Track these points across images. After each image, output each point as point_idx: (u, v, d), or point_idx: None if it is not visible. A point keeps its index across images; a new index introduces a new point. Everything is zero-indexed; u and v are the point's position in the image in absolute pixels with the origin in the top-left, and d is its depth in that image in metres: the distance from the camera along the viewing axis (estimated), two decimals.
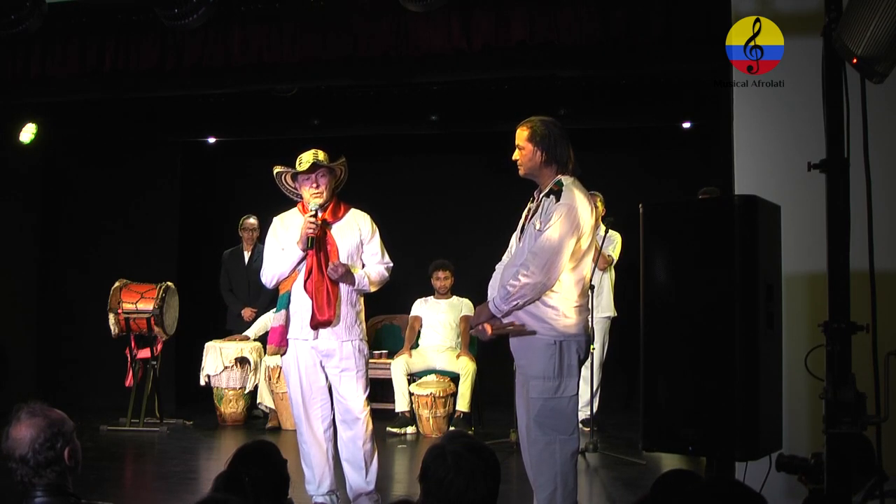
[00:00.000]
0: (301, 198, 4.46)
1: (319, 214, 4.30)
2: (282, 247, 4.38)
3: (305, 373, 4.35)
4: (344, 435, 4.35)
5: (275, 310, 4.54)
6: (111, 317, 6.80)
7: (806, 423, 3.79)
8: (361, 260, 4.44)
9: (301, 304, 4.33)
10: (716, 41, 4.20)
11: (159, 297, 6.81)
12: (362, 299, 4.49)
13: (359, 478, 4.34)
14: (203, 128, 8.03)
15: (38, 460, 2.43)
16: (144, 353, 6.91)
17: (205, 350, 7.12)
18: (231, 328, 7.59)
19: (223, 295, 7.69)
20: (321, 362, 4.34)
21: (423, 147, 8.23)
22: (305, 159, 4.35)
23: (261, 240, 7.64)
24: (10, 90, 5.96)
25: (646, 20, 4.83)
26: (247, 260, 7.66)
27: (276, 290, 7.56)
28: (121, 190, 8.18)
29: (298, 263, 4.35)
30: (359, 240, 4.41)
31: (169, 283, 7.00)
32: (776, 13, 4.01)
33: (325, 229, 4.34)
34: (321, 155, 4.35)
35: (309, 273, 4.31)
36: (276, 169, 4.45)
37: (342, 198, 4.51)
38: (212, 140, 8.35)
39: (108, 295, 6.85)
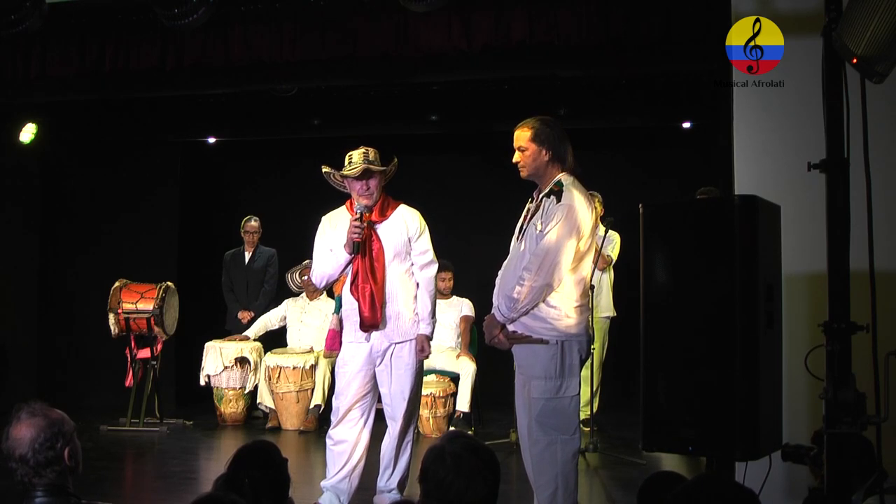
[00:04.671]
0: (343, 186, 4.40)
1: (364, 216, 4.24)
2: (330, 247, 4.35)
3: (353, 375, 4.33)
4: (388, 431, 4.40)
5: (333, 311, 4.59)
6: (111, 317, 6.81)
7: (806, 423, 3.79)
8: (410, 258, 4.38)
9: (351, 308, 4.33)
10: (716, 41, 4.20)
11: (159, 297, 6.81)
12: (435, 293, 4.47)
13: (382, 476, 4.39)
14: (203, 128, 8.02)
15: (37, 460, 2.43)
16: (144, 353, 6.91)
17: (205, 350, 7.12)
18: (230, 328, 7.61)
19: (224, 295, 7.71)
20: (375, 363, 4.33)
21: (423, 147, 8.23)
22: (356, 160, 4.26)
23: (262, 241, 7.70)
24: (10, 90, 5.96)
25: (646, 20, 4.83)
26: (247, 261, 7.68)
27: (274, 291, 7.69)
28: (121, 190, 8.19)
29: (346, 266, 4.34)
30: (406, 237, 4.35)
31: (169, 283, 7.00)
32: (776, 13, 4.01)
33: (371, 230, 4.28)
34: (372, 154, 4.30)
35: (355, 276, 4.29)
36: (325, 169, 4.38)
37: (391, 192, 4.47)
38: (212, 140, 8.35)
39: (108, 295, 6.86)
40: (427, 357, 4.36)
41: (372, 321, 4.25)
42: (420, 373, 4.43)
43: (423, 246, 4.41)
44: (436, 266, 4.47)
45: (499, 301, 3.70)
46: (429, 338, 4.37)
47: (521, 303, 3.57)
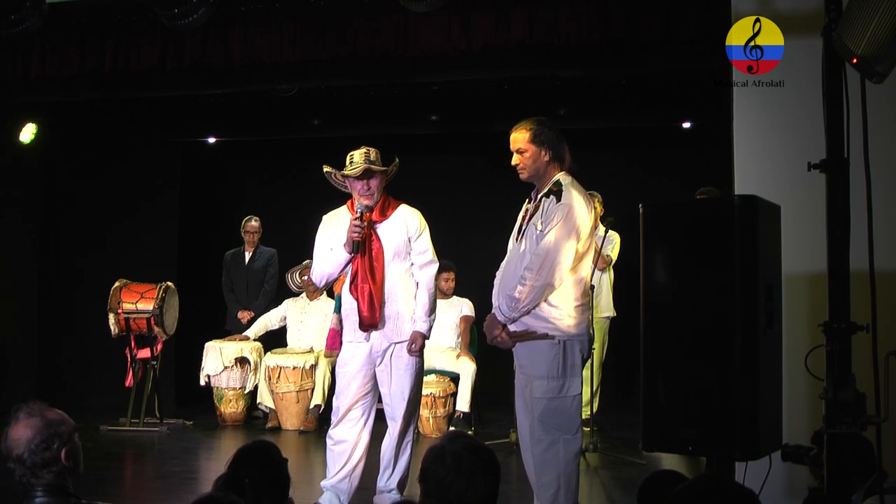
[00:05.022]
0: (344, 186, 4.40)
1: (364, 216, 4.24)
2: (330, 246, 4.35)
3: (353, 375, 4.33)
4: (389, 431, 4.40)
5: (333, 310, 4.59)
6: (111, 317, 6.80)
7: (806, 423, 3.79)
8: (409, 257, 4.38)
9: (351, 307, 4.33)
10: (716, 41, 4.20)
11: (159, 297, 6.81)
12: (435, 293, 4.46)
13: (382, 476, 4.39)
14: (203, 128, 8.02)
15: (34, 461, 2.43)
16: (144, 353, 6.91)
17: (205, 350, 7.12)
18: (230, 328, 7.61)
19: (224, 294, 7.71)
20: (375, 363, 4.33)
21: (423, 147, 8.23)
22: (357, 160, 4.27)
23: (263, 241, 7.70)
24: (10, 90, 5.96)
25: (646, 20, 4.83)
26: (247, 261, 7.68)
27: (274, 292, 7.69)
28: (121, 190, 8.18)
29: (346, 265, 4.34)
30: (406, 237, 4.35)
31: (169, 283, 7.00)
32: (776, 13, 4.01)
33: (371, 230, 4.29)
34: (373, 154, 4.30)
35: (354, 275, 4.29)
36: (326, 168, 4.39)
37: (392, 192, 4.47)
38: (212, 140, 8.35)
39: (108, 295, 6.86)
40: (417, 352, 4.33)
41: (371, 321, 4.25)
42: (420, 373, 4.42)
43: (423, 245, 4.41)
44: (436, 266, 4.46)
45: (499, 301, 3.70)
46: (424, 335, 4.35)
47: (523, 302, 3.57)
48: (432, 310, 4.40)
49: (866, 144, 2.57)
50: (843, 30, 2.60)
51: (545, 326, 3.60)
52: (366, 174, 4.26)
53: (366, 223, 4.25)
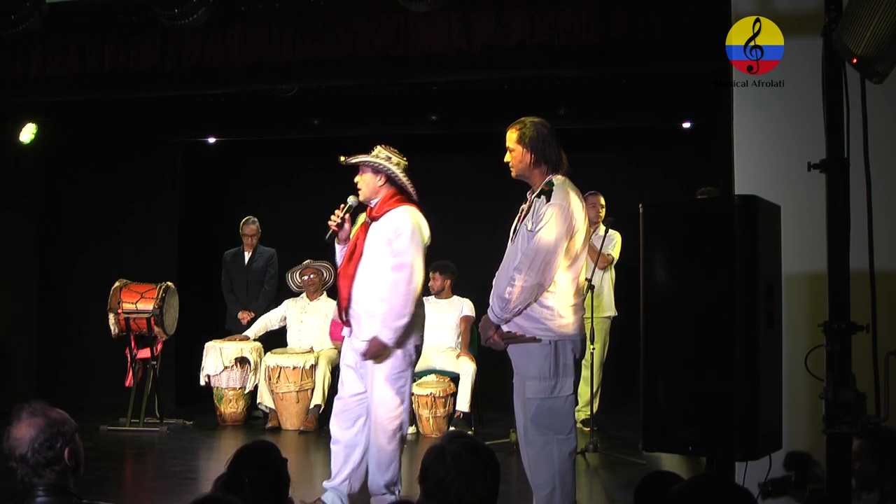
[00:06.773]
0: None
1: (352, 208, 4.31)
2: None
3: (346, 371, 4.37)
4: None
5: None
6: (111, 317, 6.80)
7: (806, 423, 3.79)
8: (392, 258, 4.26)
9: None
10: (716, 41, 4.20)
11: (159, 297, 6.81)
12: (408, 299, 4.16)
13: (372, 478, 4.32)
14: (203, 128, 8.03)
15: (37, 460, 2.43)
16: (144, 353, 6.91)
17: (205, 350, 7.12)
18: (230, 328, 7.61)
19: (224, 295, 7.71)
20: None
21: (423, 147, 8.22)
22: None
23: (262, 241, 7.70)
24: (10, 90, 5.96)
25: (646, 20, 4.83)
26: (247, 261, 7.68)
27: (274, 292, 7.70)
28: (121, 190, 8.18)
29: (339, 256, 4.39)
30: (387, 237, 4.20)
31: (169, 283, 7.00)
32: (776, 13, 4.01)
33: (355, 225, 4.34)
34: (379, 151, 4.33)
35: (340, 272, 4.34)
36: (342, 158, 4.37)
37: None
38: (212, 140, 8.35)
39: (108, 295, 6.86)
40: (370, 359, 4.15)
41: (345, 317, 4.29)
42: (398, 378, 4.22)
43: (400, 247, 4.17)
44: (408, 270, 4.14)
45: (492, 302, 3.71)
46: (382, 343, 4.11)
47: (513, 303, 3.58)
48: (399, 316, 4.12)
49: (866, 144, 2.57)
50: (843, 30, 2.61)
51: (537, 327, 3.61)
52: (358, 167, 4.31)
53: (345, 214, 4.29)
